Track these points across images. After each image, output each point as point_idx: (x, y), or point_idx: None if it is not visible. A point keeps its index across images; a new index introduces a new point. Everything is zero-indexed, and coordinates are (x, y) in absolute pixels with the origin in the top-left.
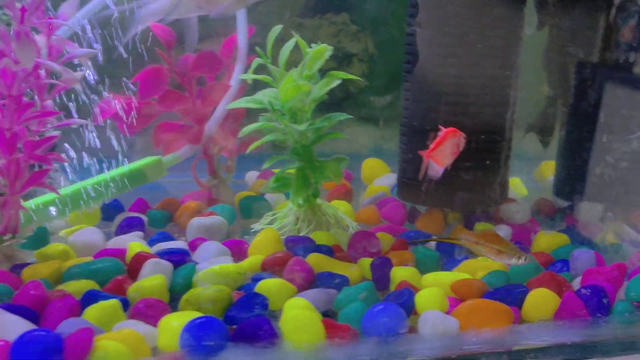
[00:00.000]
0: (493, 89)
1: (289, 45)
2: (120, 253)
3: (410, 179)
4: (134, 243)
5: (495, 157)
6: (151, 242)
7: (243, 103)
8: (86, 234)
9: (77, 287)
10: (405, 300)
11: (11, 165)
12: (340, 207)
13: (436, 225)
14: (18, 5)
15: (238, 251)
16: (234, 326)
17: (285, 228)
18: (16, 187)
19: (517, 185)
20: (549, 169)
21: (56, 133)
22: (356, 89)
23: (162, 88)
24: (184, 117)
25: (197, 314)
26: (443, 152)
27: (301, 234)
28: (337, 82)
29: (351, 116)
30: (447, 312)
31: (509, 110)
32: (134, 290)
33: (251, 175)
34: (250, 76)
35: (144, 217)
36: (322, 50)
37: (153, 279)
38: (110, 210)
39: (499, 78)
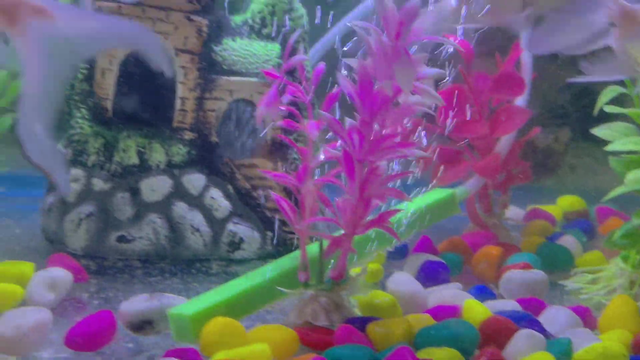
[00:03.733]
0: None
1: None
2: (450, 311)
3: None
4: (471, 301)
5: None
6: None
7: None
8: (403, 281)
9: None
10: None
11: (359, 204)
12: None
13: None
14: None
15: (584, 321)
16: None
17: (615, 293)
18: (358, 227)
19: None
20: None
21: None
22: None
23: (461, 112)
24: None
25: None
26: None
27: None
28: None
29: None
30: None
31: None
32: None
33: (514, 212)
34: None
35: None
36: None
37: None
38: (394, 249)
39: None
